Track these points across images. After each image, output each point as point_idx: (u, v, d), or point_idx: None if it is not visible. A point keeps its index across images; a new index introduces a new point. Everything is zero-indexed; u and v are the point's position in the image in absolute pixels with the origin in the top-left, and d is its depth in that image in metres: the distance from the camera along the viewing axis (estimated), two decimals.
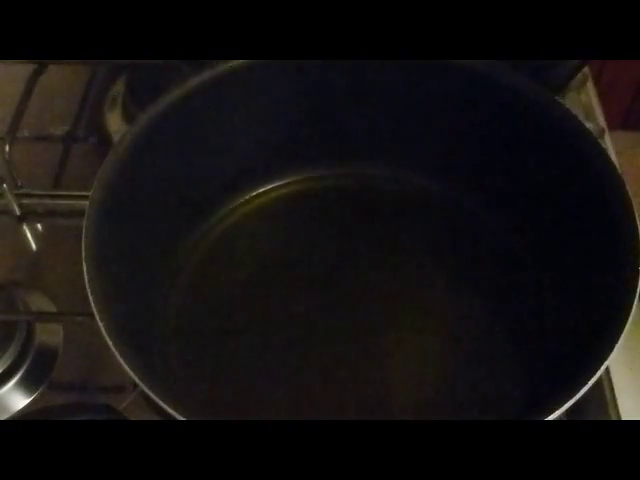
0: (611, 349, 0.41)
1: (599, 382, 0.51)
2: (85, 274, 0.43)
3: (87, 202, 0.47)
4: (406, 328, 0.53)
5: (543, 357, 0.50)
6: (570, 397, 0.40)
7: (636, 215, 0.46)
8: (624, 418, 0.51)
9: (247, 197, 0.59)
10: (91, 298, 0.42)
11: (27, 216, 0.62)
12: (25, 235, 0.62)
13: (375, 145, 0.59)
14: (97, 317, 0.42)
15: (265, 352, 0.51)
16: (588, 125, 0.52)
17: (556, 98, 0.52)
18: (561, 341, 0.50)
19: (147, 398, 0.40)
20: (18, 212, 0.62)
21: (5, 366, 0.52)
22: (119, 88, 0.70)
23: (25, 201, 0.62)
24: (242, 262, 0.57)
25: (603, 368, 0.41)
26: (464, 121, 0.56)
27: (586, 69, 0.70)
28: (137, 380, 0.40)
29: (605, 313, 0.44)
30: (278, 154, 0.59)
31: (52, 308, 0.56)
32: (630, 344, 0.42)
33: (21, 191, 0.62)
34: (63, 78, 0.71)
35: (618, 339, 0.41)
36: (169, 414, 0.39)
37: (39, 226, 0.62)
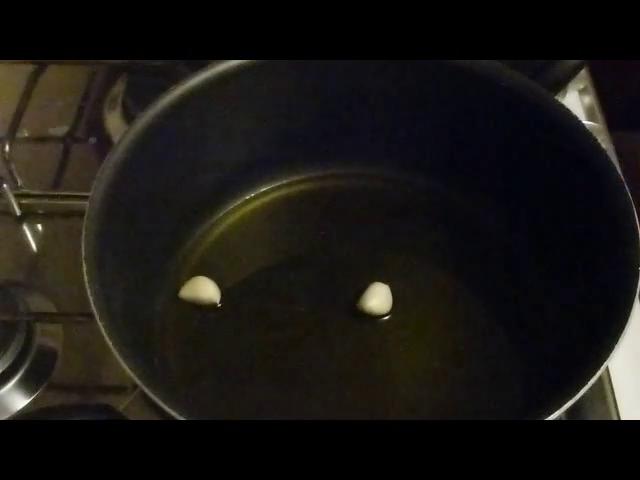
0: (611, 349, 0.41)
1: (599, 382, 0.52)
2: (85, 274, 0.43)
3: (87, 202, 0.46)
4: (406, 328, 0.53)
5: (543, 357, 0.50)
6: (570, 397, 0.40)
7: (636, 215, 0.46)
8: (624, 418, 0.51)
9: (247, 197, 0.59)
10: (91, 298, 0.42)
11: (27, 216, 0.62)
12: (25, 235, 0.62)
13: (375, 145, 0.59)
14: (97, 317, 0.42)
15: (265, 352, 0.51)
16: (588, 125, 0.52)
17: (556, 98, 0.52)
18: (561, 341, 0.50)
19: (147, 398, 0.40)
20: (18, 212, 0.62)
21: (5, 366, 0.52)
22: (119, 88, 0.71)
23: (25, 201, 0.62)
24: (242, 262, 0.57)
25: (603, 368, 0.41)
26: (464, 121, 0.56)
27: (586, 69, 0.70)
28: (137, 380, 0.40)
29: (605, 313, 0.44)
30: (278, 154, 0.59)
31: (52, 308, 0.56)
32: (630, 344, 0.42)
33: (21, 191, 0.62)
34: (63, 78, 0.71)
35: (618, 339, 0.41)
36: (169, 414, 0.39)
37: (39, 226, 0.62)
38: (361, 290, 0.53)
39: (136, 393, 0.42)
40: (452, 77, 0.54)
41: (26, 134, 0.66)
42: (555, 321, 0.51)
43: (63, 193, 0.63)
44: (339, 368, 0.51)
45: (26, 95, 0.64)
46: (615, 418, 0.51)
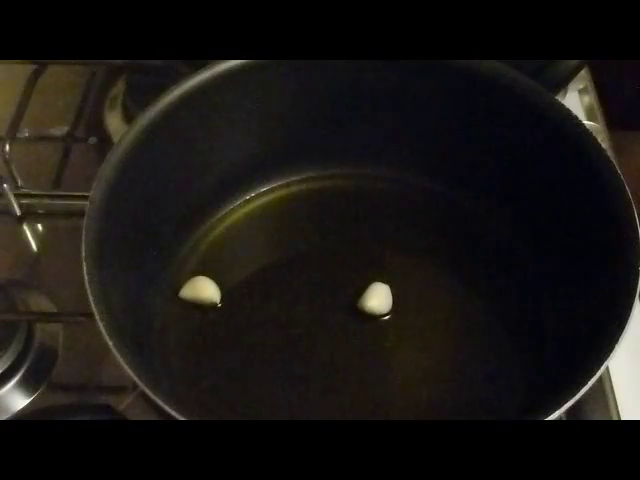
0: (611, 349, 0.41)
1: (599, 382, 0.51)
2: (85, 274, 0.43)
3: (87, 202, 0.47)
4: (406, 328, 0.53)
5: (543, 357, 0.50)
6: (570, 397, 0.40)
7: (636, 215, 0.46)
8: (624, 418, 0.51)
9: (247, 197, 0.59)
10: (91, 298, 0.42)
11: (27, 216, 0.62)
12: (25, 235, 0.62)
13: (375, 145, 0.59)
14: (97, 317, 0.42)
15: (265, 352, 0.51)
16: (588, 125, 0.52)
17: (556, 98, 0.52)
18: (561, 341, 0.50)
19: (147, 398, 0.40)
20: (18, 212, 0.62)
21: (5, 366, 0.52)
22: (119, 88, 0.71)
23: (25, 201, 0.62)
24: (242, 262, 0.57)
25: (603, 368, 0.41)
26: (464, 121, 0.56)
27: (586, 69, 0.70)
28: (137, 380, 0.40)
29: (605, 313, 0.44)
30: (278, 154, 0.59)
31: (52, 308, 0.56)
32: (630, 344, 0.42)
33: (21, 191, 0.62)
34: (63, 78, 0.71)
35: (618, 339, 0.41)
36: (169, 414, 0.39)
37: (39, 226, 0.62)
38: (361, 290, 0.53)
39: (136, 393, 0.42)
40: (452, 77, 0.54)
41: (26, 134, 0.66)
42: (555, 321, 0.51)
43: (63, 193, 0.63)
44: (339, 368, 0.51)
45: (26, 95, 0.64)
46: (615, 418, 0.51)
